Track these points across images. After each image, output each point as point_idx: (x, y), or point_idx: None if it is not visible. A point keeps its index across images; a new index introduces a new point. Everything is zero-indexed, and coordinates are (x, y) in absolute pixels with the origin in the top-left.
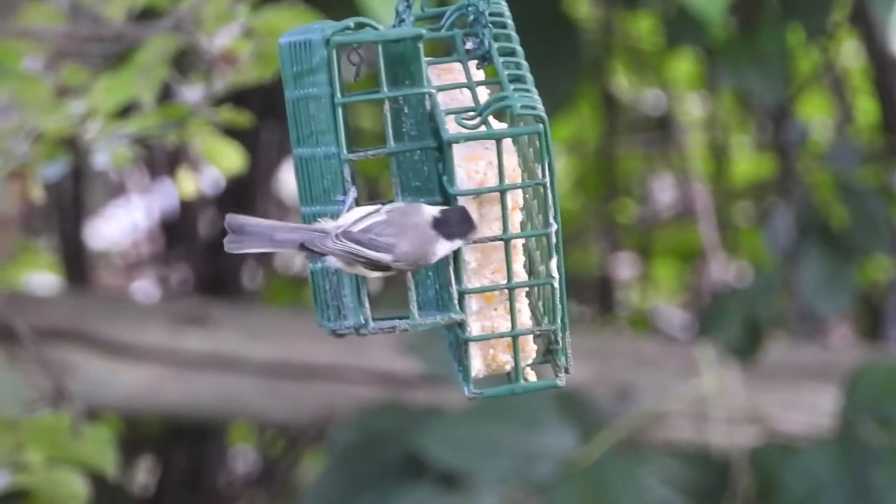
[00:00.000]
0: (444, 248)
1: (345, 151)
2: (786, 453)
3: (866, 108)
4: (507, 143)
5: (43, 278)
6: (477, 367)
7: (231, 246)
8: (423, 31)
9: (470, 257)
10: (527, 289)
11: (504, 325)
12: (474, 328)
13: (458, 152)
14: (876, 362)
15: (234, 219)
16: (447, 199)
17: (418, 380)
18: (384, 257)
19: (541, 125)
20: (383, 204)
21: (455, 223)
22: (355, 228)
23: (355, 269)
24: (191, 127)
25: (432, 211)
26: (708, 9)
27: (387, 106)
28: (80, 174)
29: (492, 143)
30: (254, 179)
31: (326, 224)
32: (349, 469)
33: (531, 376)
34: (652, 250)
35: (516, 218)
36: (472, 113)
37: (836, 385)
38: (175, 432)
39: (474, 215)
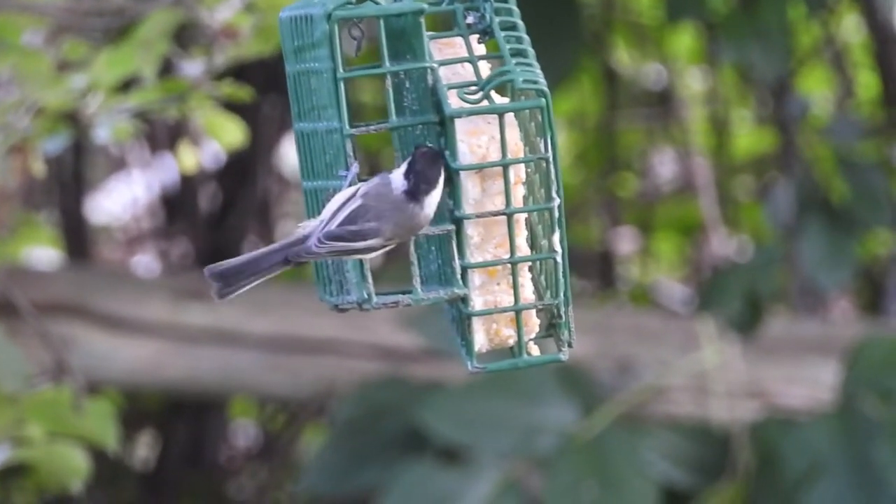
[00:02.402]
0: (430, 203)
1: (347, 126)
2: (786, 427)
3: (867, 82)
4: (510, 117)
5: (43, 252)
6: (480, 341)
7: (222, 293)
8: (425, 6)
9: (473, 232)
10: (529, 263)
11: (507, 300)
12: (477, 303)
13: (461, 127)
14: (877, 336)
15: (212, 269)
16: (449, 173)
17: (420, 354)
18: (373, 243)
19: (543, 99)
20: (364, 181)
21: (423, 176)
22: (334, 225)
23: (352, 257)
24: (191, 101)
25: (398, 179)
26: None
27: (388, 80)
28: (81, 148)
29: (494, 118)
30: (254, 154)
31: (308, 225)
32: (350, 443)
33: (534, 350)
34: (652, 224)
35: (519, 192)
36: (474, 87)
37: (837, 359)
38: (176, 407)
39: (475, 189)
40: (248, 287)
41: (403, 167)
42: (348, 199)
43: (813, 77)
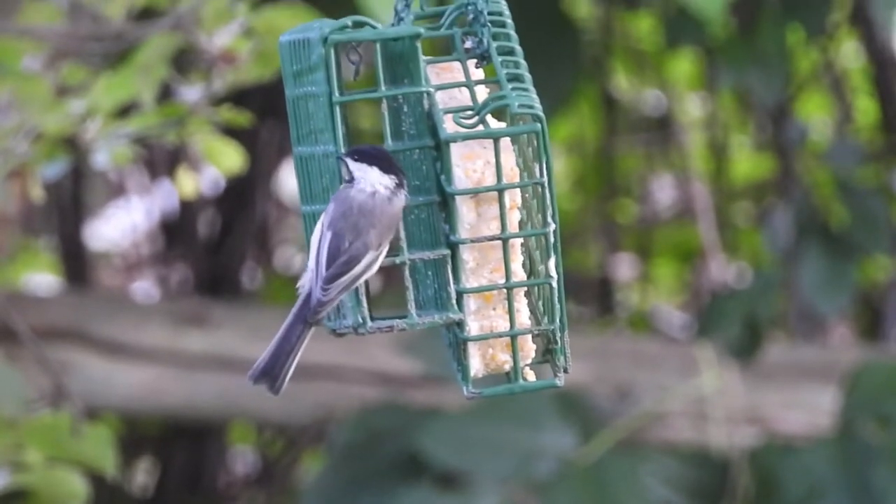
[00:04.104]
0: (393, 189)
1: (342, 150)
2: (785, 453)
3: (866, 107)
4: (505, 142)
5: (43, 278)
6: (476, 366)
7: (275, 389)
8: (422, 30)
9: (468, 257)
10: (525, 288)
11: (503, 325)
12: (473, 328)
13: (456, 151)
14: (875, 362)
15: (253, 374)
16: (445, 198)
17: (418, 380)
18: (370, 258)
19: (538, 124)
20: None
21: (364, 164)
22: (324, 269)
23: (360, 280)
24: (190, 126)
25: (349, 191)
26: (708, 8)
27: (385, 105)
28: (80, 174)
29: (490, 142)
30: (253, 179)
31: (304, 283)
32: (348, 469)
33: (530, 376)
34: (651, 250)
35: (514, 217)
36: (470, 112)
37: (836, 385)
38: (175, 432)
39: (471, 214)
40: (292, 367)
41: (346, 183)
42: (320, 239)
43: (812, 102)
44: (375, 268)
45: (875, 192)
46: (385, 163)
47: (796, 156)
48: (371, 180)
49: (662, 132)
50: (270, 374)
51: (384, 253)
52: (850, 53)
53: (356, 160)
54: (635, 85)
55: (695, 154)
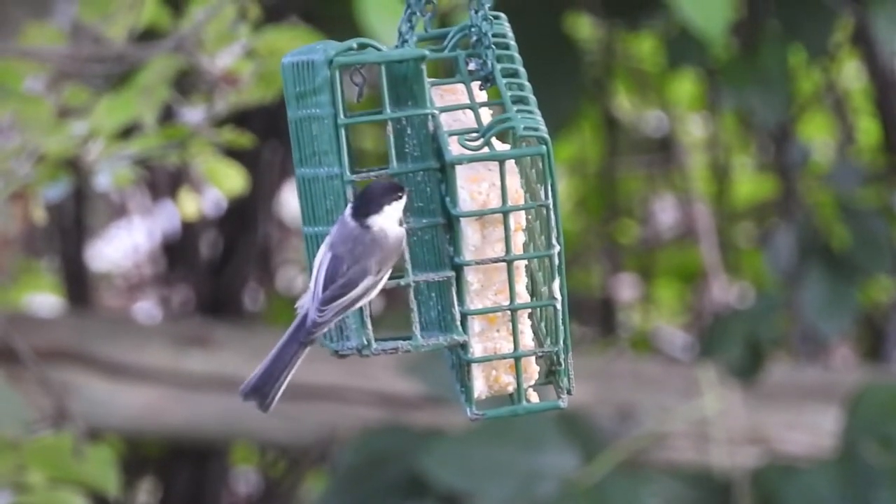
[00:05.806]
0: (390, 226)
1: (347, 172)
2: (787, 474)
3: (868, 128)
4: (510, 164)
5: (44, 299)
6: (479, 388)
7: (265, 406)
8: (427, 52)
9: (473, 278)
10: (529, 310)
11: (506, 347)
12: (477, 349)
13: (461, 173)
14: (878, 383)
15: (244, 390)
16: (450, 220)
17: (421, 401)
18: (368, 283)
19: (544, 146)
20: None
21: (363, 201)
22: (321, 291)
23: (357, 305)
24: (192, 148)
25: (351, 220)
26: (709, 29)
27: (389, 127)
28: (82, 195)
29: (494, 165)
30: (255, 200)
31: (303, 303)
32: (351, 490)
33: (533, 397)
34: (653, 271)
35: (519, 239)
36: (474, 134)
37: (838, 406)
38: (177, 453)
39: (476, 236)
40: (283, 387)
41: (349, 206)
42: (321, 260)
43: (814, 123)
44: (376, 292)
45: (877, 214)
46: (389, 196)
47: (798, 177)
48: (379, 224)
49: (664, 153)
50: (261, 391)
51: (385, 277)
52: (851, 74)
53: (361, 213)
54: (637, 106)
55: (697, 175)
